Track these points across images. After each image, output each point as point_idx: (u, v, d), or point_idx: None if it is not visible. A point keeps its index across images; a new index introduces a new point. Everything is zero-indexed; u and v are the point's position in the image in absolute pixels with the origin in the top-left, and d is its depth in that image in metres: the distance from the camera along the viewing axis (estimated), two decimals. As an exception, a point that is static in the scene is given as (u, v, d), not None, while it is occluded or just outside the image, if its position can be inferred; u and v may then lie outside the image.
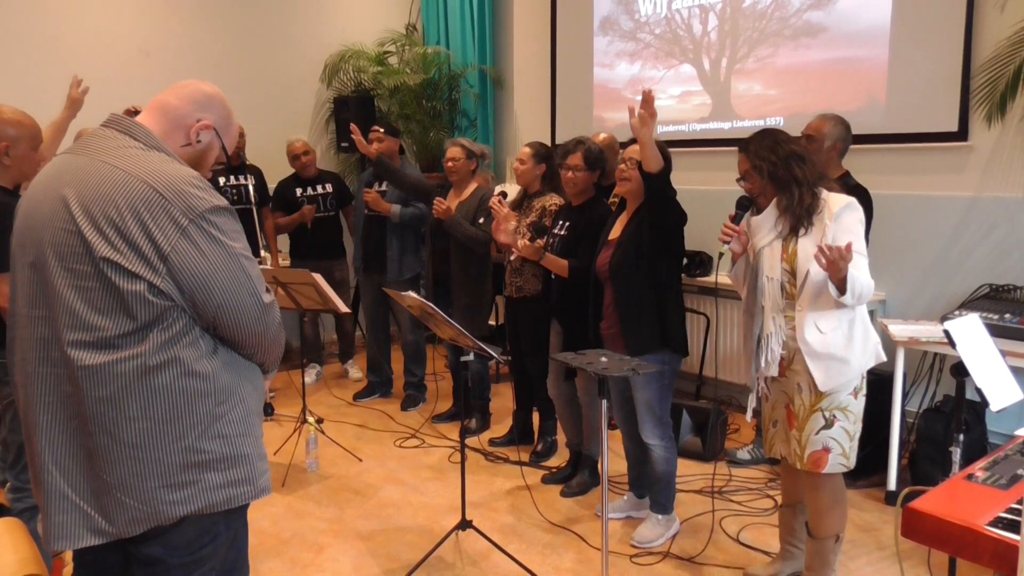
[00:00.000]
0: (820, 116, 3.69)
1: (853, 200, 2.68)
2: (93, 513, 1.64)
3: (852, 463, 2.73)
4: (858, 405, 2.71)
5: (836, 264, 2.45)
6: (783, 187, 2.69)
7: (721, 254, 2.97)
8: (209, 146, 1.82)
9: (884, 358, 2.75)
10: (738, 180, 2.82)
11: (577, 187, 3.69)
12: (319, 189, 5.55)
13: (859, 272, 2.53)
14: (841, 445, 2.69)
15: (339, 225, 5.66)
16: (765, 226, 2.76)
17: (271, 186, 5.56)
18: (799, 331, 2.65)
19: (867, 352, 2.69)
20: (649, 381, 3.19)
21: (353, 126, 4.75)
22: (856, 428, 2.71)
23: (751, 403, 2.91)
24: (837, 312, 2.62)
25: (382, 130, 4.88)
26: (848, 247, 2.46)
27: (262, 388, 1.84)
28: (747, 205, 2.86)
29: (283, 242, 5.77)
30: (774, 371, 2.76)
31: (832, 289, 2.53)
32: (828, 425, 2.67)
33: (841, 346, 2.62)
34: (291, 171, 5.62)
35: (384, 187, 4.97)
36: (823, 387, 2.63)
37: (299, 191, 5.51)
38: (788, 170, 2.67)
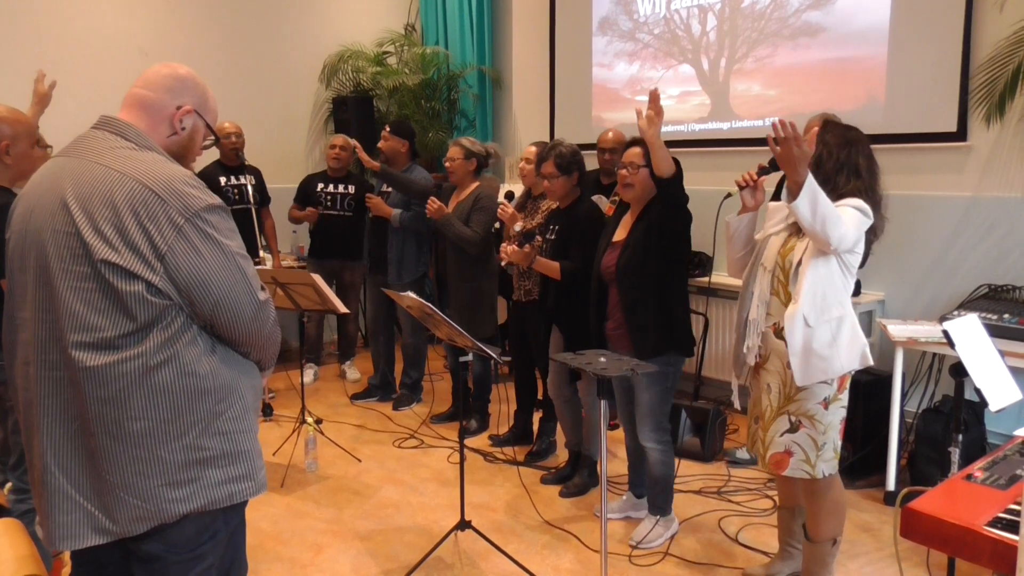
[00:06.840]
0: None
1: (864, 205, 2.56)
2: (97, 512, 1.64)
3: (819, 473, 2.65)
4: (829, 416, 2.63)
5: (789, 146, 2.30)
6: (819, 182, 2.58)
7: (730, 193, 2.86)
8: (194, 129, 1.84)
9: (871, 362, 2.67)
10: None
11: (556, 193, 3.75)
12: (340, 188, 5.53)
13: (831, 205, 2.41)
14: (805, 452, 2.64)
15: (359, 227, 5.53)
16: (778, 214, 2.74)
17: (273, 185, 5.58)
18: (787, 324, 2.58)
19: (852, 354, 2.62)
20: (652, 383, 3.18)
21: (357, 144, 4.77)
22: (827, 439, 2.64)
23: (734, 386, 2.91)
24: (827, 309, 2.58)
25: (388, 129, 4.87)
26: (809, 133, 2.32)
27: (259, 386, 1.85)
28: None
29: (303, 239, 5.88)
30: (751, 360, 2.75)
31: (785, 192, 2.40)
32: (793, 429, 2.64)
33: (825, 343, 2.57)
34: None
35: (388, 189, 4.97)
36: (800, 382, 2.59)
37: (320, 186, 5.52)
38: (835, 174, 2.58)
